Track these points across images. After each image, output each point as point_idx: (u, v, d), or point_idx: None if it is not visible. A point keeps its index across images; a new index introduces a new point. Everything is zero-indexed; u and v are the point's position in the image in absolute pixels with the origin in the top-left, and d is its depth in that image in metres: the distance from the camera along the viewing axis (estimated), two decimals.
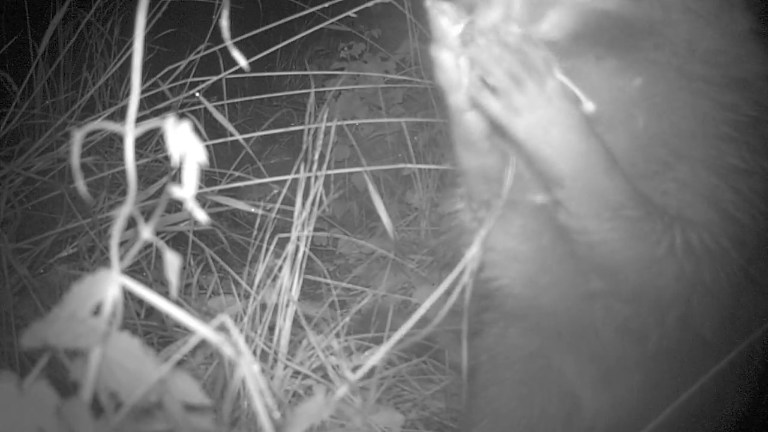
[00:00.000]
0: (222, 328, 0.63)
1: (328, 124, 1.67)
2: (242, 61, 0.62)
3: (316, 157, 1.65)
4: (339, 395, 1.51)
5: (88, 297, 0.55)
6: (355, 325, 1.76)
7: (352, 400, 1.51)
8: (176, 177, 1.91)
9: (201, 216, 0.49)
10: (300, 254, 1.59)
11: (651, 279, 1.03)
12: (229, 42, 0.62)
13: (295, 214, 1.62)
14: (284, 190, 1.72)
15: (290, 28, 2.10)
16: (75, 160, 0.42)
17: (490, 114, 1.02)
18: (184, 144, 0.46)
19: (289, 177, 1.73)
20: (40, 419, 0.58)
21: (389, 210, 1.69)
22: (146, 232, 0.55)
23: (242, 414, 1.41)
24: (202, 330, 0.54)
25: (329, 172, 1.71)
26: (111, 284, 0.55)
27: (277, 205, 1.71)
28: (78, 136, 0.42)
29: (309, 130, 1.69)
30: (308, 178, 1.65)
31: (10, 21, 2.33)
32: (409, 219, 2.32)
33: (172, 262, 0.56)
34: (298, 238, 1.60)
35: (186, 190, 0.48)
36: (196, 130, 1.96)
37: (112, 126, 0.45)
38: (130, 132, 0.44)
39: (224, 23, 0.64)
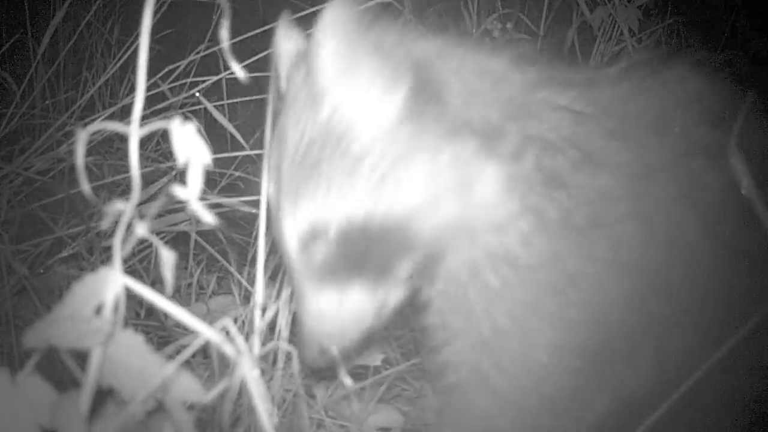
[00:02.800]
0: (223, 329, 0.63)
1: None
2: (240, 73, 0.62)
3: None
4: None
5: (90, 296, 0.55)
6: None
7: (351, 399, 1.51)
8: (177, 178, 1.91)
9: (208, 218, 0.49)
10: None
11: None
12: (228, 53, 0.62)
13: None
14: None
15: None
16: (80, 160, 0.42)
17: None
18: (190, 145, 0.46)
19: None
20: (36, 414, 0.58)
21: None
22: (141, 230, 0.55)
23: (243, 412, 1.41)
24: (204, 331, 0.54)
25: None
26: (113, 283, 0.55)
27: None
28: (83, 135, 0.42)
29: None
30: None
31: (10, 21, 2.33)
32: None
33: (168, 259, 0.56)
34: None
35: (190, 191, 0.48)
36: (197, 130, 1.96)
37: (117, 126, 0.45)
38: (134, 133, 0.44)
39: (224, 32, 0.63)
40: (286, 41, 1.20)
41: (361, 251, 1.06)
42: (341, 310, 1.12)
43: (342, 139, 1.04)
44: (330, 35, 1.00)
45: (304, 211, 1.07)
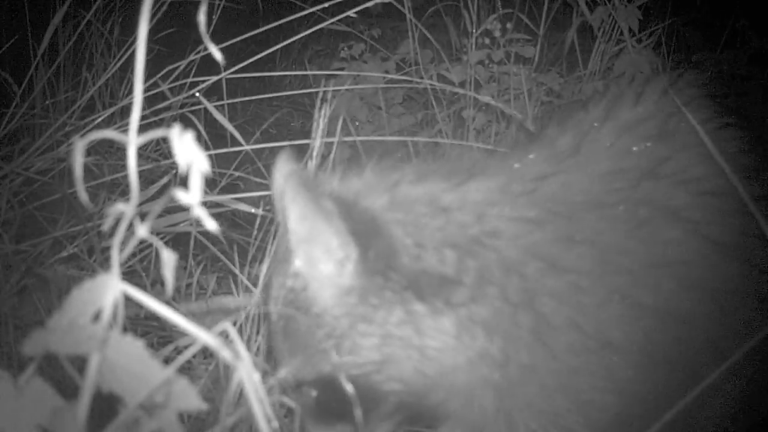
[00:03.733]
0: (223, 332, 0.63)
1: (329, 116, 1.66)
2: (218, 55, 0.62)
3: (315, 154, 1.65)
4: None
5: (88, 302, 0.55)
6: None
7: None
8: (176, 178, 1.91)
9: (210, 224, 0.49)
10: None
11: None
12: (210, 44, 0.62)
13: None
14: None
15: (290, 28, 2.10)
16: (78, 170, 0.42)
17: None
18: (190, 153, 0.47)
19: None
20: (39, 418, 0.58)
21: None
22: (142, 232, 0.56)
23: (243, 414, 1.41)
24: (202, 336, 0.54)
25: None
26: (111, 289, 0.55)
27: None
28: (80, 145, 0.42)
29: (314, 129, 1.69)
30: None
31: (10, 21, 2.33)
32: None
33: (168, 260, 0.56)
34: None
35: (192, 196, 0.48)
36: (196, 129, 1.96)
37: (115, 135, 0.45)
38: (132, 142, 0.44)
39: (201, 19, 0.63)
40: (280, 175, 1.20)
41: (340, 396, 1.11)
42: None
43: (305, 302, 1.11)
44: (291, 202, 1.05)
45: (286, 366, 1.16)
